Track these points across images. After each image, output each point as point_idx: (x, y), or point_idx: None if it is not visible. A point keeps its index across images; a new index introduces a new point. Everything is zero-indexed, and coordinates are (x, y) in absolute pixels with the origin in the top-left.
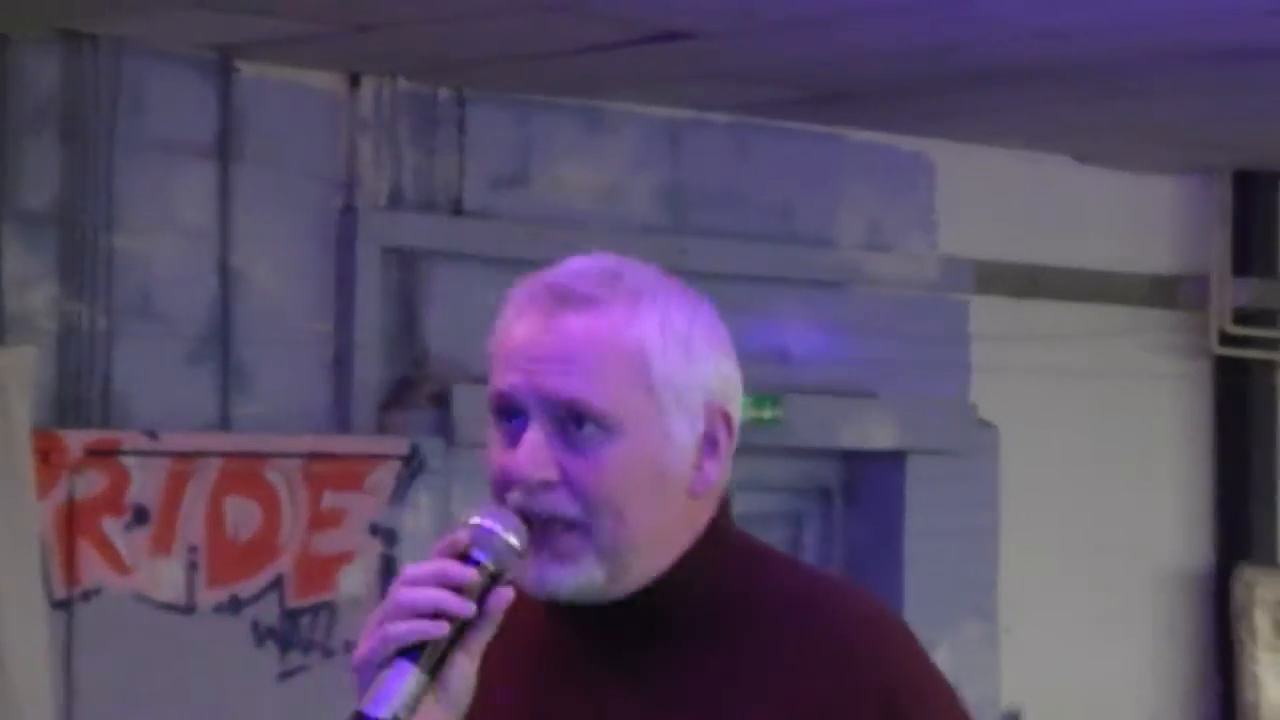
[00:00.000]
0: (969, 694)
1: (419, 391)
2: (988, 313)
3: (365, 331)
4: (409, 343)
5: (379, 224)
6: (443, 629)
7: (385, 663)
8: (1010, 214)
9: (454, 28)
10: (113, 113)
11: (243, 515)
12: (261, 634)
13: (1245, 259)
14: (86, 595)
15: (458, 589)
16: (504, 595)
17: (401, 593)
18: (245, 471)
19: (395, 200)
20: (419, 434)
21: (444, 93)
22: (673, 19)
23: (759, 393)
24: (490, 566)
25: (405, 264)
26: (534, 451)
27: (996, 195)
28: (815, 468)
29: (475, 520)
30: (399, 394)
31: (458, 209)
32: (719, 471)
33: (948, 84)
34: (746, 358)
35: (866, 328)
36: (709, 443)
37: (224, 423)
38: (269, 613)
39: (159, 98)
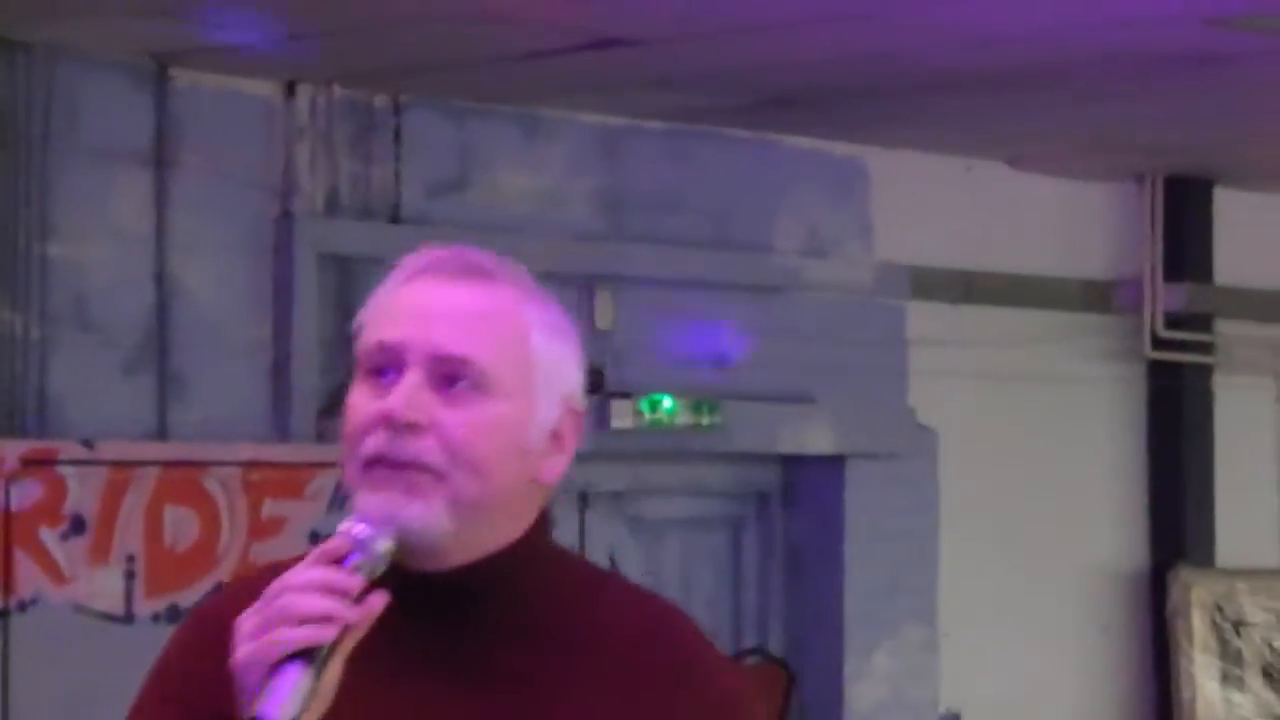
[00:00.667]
0: (909, 696)
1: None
2: (924, 318)
3: (303, 338)
4: (347, 349)
5: (316, 231)
6: (332, 634)
7: (275, 666)
8: (946, 220)
9: (390, 35)
10: (47, 120)
11: (181, 524)
12: None
13: (1178, 264)
14: (24, 605)
15: (344, 596)
16: (378, 600)
17: (290, 599)
18: (183, 480)
19: (332, 207)
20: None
21: (380, 100)
22: (610, 26)
23: (698, 398)
24: (365, 572)
25: (342, 270)
26: (410, 393)
27: (932, 201)
28: (754, 472)
29: (350, 526)
30: (338, 400)
31: (395, 216)
32: (563, 465)
33: (883, 91)
34: (685, 363)
35: (804, 333)
36: (557, 436)
37: (161, 431)
38: None
39: (94, 105)
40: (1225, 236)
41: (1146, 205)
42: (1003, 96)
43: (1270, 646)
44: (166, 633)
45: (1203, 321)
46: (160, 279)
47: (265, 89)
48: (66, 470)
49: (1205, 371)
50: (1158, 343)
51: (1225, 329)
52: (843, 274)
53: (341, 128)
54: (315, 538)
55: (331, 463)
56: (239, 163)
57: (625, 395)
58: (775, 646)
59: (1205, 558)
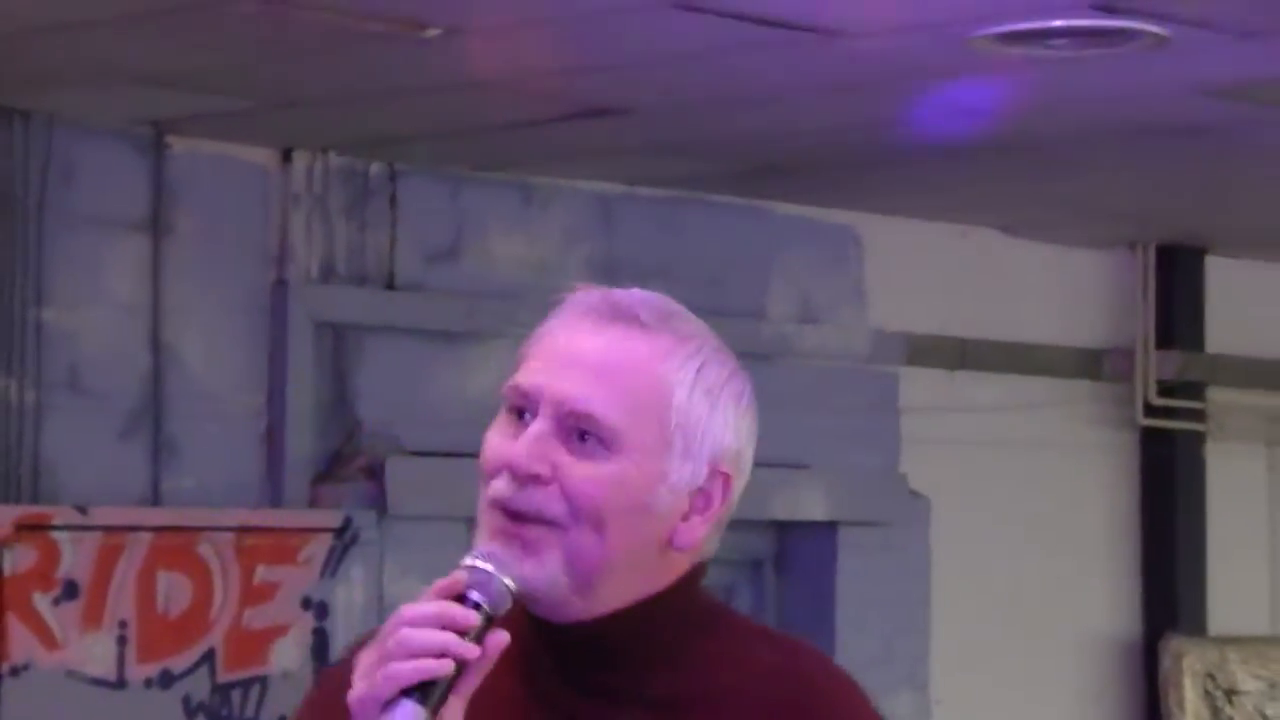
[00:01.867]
0: None
1: (351, 464)
2: (917, 384)
3: (297, 404)
4: (341, 415)
5: (311, 297)
6: (448, 669)
7: (389, 702)
8: (939, 287)
9: (386, 104)
10: (43, 187)
11: (174, 589)
12: (193, 709)
13: (1170, 332)
14: (16, 671)
15: (460, 632)
16: (500, 639)
17: (404, 633)
18: (177, 546)
19: (327, 274)
20: (352, 506)
21: (376, 167)
22: (603, 95)
23: None
24: (487, 609)
25: (337, 337)
26: (536, 442)
27: (925, 268)
28: (747, 539)
29: (472, 562)
30: (331, 467)
31: (390, 283)
32: (704, 531)
33: (877, 159)
34: None
35: (797, 400)
36: (703, 498)
37: (155, 497)
38: (200, 687)
39: (90, 172)
40: (1217, 304)
41: (1139, 273)
42: (996, 165)
43: (1262, 715)
44: (159, 699)
45: (1195, 389)
46: (155, 345)
47: (261, 156)
48: (60, 535)
49: (1197, 439)
50: (1150, 410)
51: (1217, 396)
52: (836, 341)
53: (337, 195)
54: (308, 604)
55: (325, 529)
56: (235, 229)
57: None
58: None
59: (1197, 626)
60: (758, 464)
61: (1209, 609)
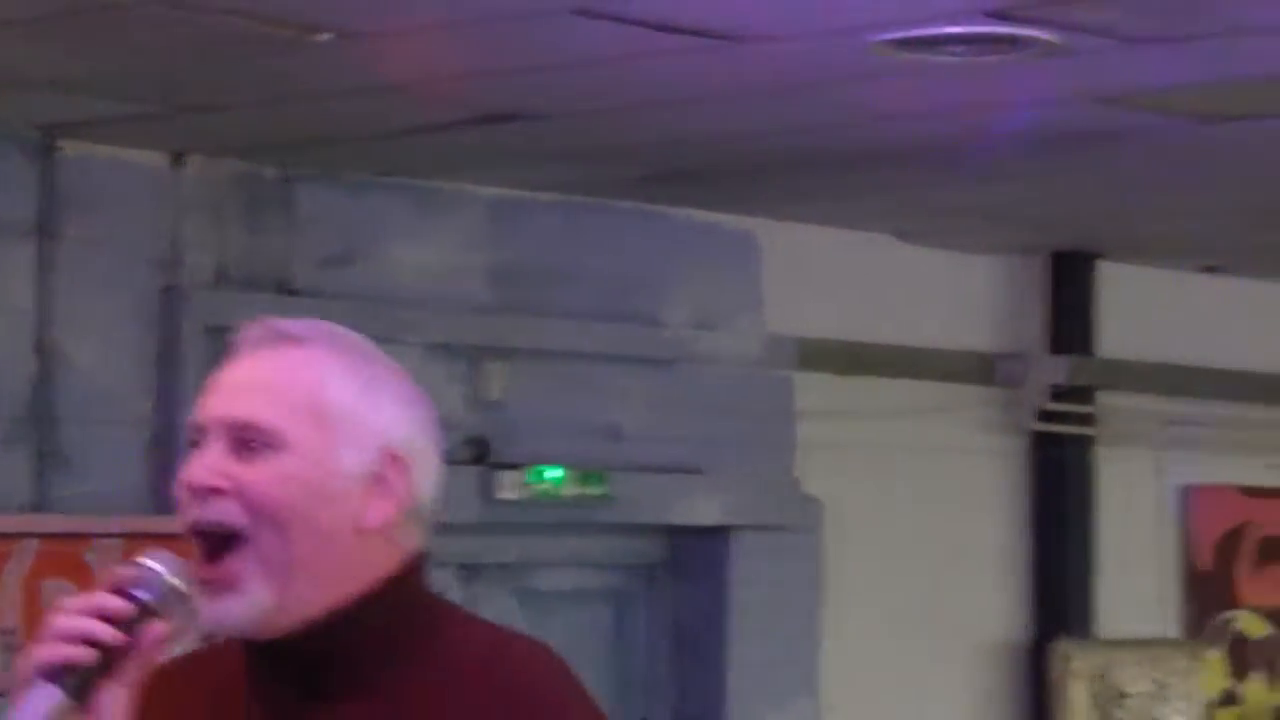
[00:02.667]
0: None
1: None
2: (812, 389)
3: (188, 411)
4: None
5: (203, 303)
6: (88, 654)
7: (32, 684)
8: (835, 292)
9: (281, 108)
10: None
11: (61, 597)
12: None
13: (1062, 337)
14: None
15: (108, 619)
16: (157, 629)
17: (54, 620)
18: (63, 553)
19: (220, 279)
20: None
21: (271, 172)
22: (502, 101)
23: (586, 469)
24: (149, 603)
25: (230, 343)
26: (206, 459)
27: (822, 274)
28: (642, 544)
29: (140, 560)
30: None
31: (284, 288)
32: (389, 513)
33: (775, 165)
34: (574, 434)
35: (692, 405)
36: (380, 483)
37: (42, 504)
38: None
39: None
40: (1108, 310)
41: (1032, 279)
42: (893, 172)
43: (1151, 717)
44: None
45: (1086, 394)
46: (43, 351)
47: (154, 160)
48: None
49: (1088, 443)
50: (1041, 415)
51: (1108, 401)
52: (732, 346)
53: (231, 200)
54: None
55: None
56: (126, 234)
57: (513, 466)
58: (661, 719)
59: (1086, 629)
60: (652, 469)
61: (1098, 612)
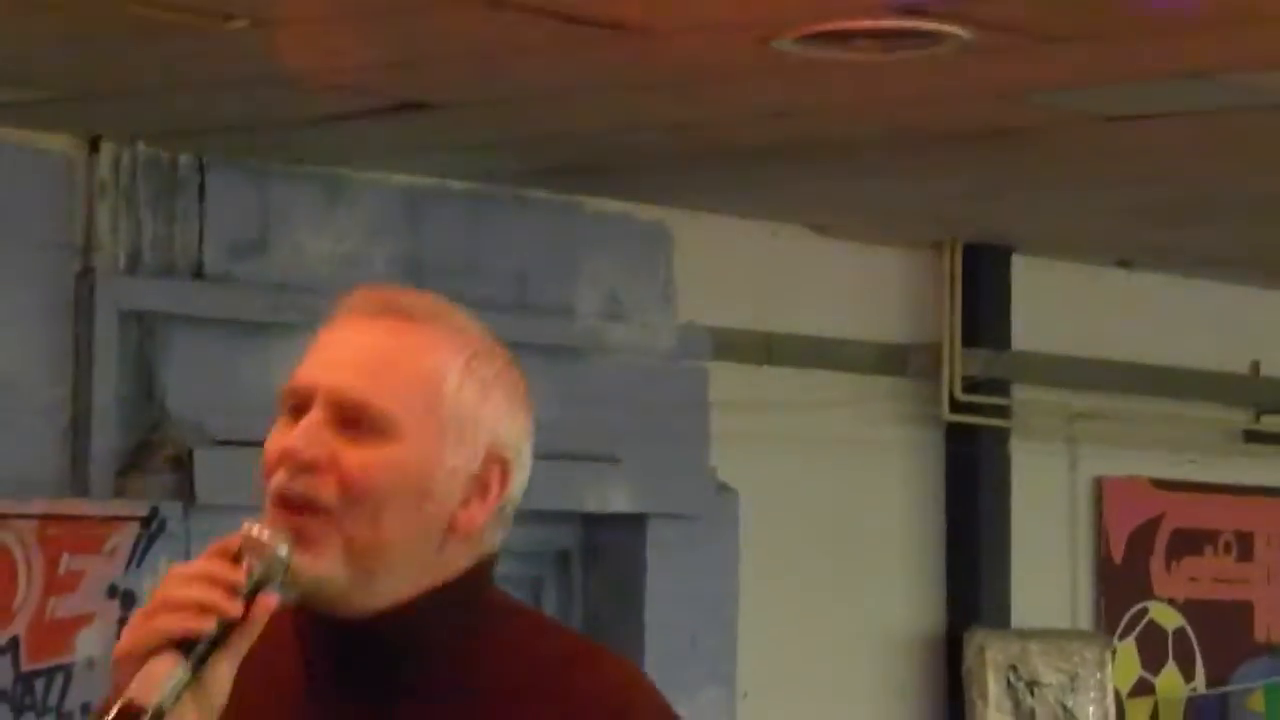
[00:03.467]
0: None
1: (158, 455)
2: (726, 380)
3: (103, 395)
4: (147, 407)
5: (117, 288)
6: (210, 625)
7: (150, 655)
8: (748, 283)
9: (194, 95)
10: None
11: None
12: None
13: (975, 330)
14: None
15: (227, 589)
16: (269, 602)
17: (170, 588)
18: None
19: (133, 264)
20: (158, 497)
21: (184, 158)
22: (412, 90)
23: None
24: (257, 573)
25: (143, 328)
26: (309, 431)
27: (735, 265)
28: (554, 531)
29: (247, 528)
30: (138, 458)
31: (197, 273)
32: (484, 518)
33: (687, 157)
34: None
35: (607, 395)
36: (480, 484)
37: None
38: (3, 676)
39: None
40: (1022, 303)
41: (946, 272)
42: (805, 165)
43: (1063, 706)
44: None
45: (999, 387)
46: None
47: (67, 146)
48: None
49: (1001, 436)
50: (955, 407)
51: (1021, 394)
52: (645, 336)
53: (144, 185)
54: (114, 592)
55: (130, 517)
56: (39, 219)
57: None
58: None
59: (1000, 619)
60: (567, 457)
61: (1012, 603)
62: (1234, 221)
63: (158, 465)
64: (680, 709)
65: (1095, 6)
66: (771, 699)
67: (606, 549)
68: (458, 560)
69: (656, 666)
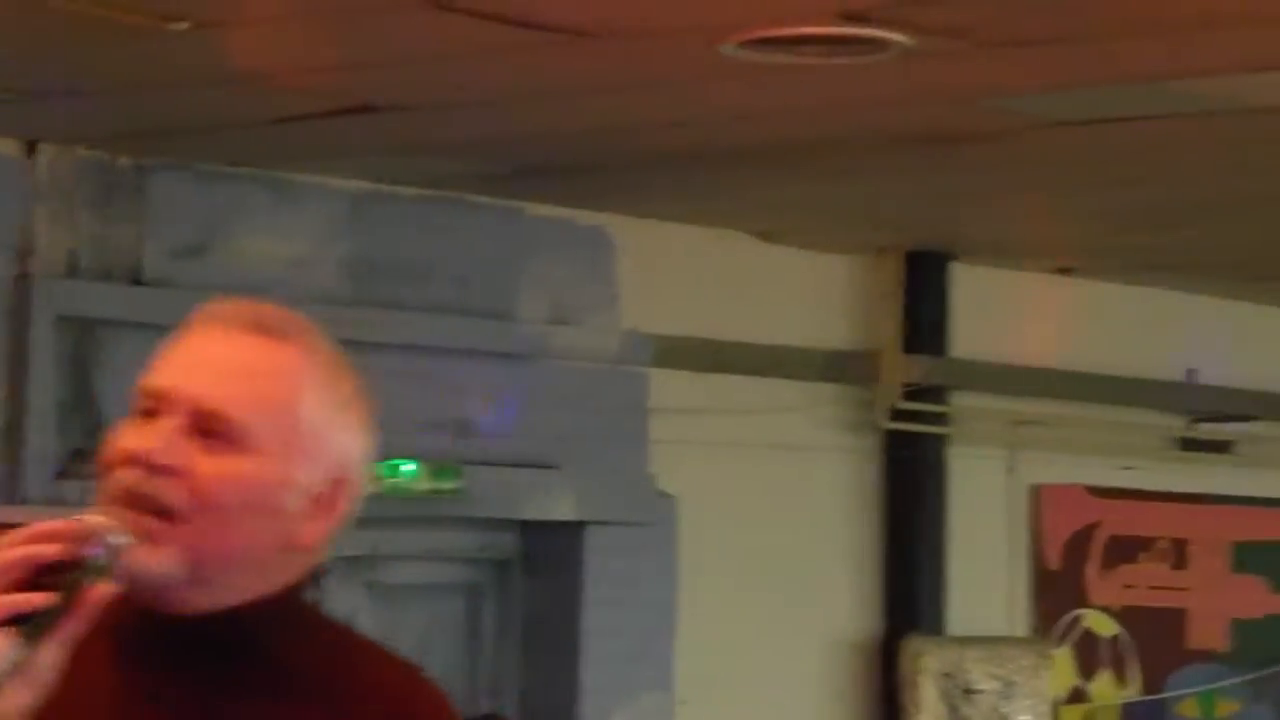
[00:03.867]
0: None
1: (95, 461)
2: (668, 386)
3: (39, 401)
4: (85, 412)
5: (55, 292)
6: (49, 601)
7: None
8: (691, 289)
9: (135, 97)
10: None
11: None
12: None
13: (916, 337)
14: None
15: (61, 570)
16: (102, 590)
17: (6, 556)
18: None
19: (72, 269)
20: (95, 503)
21: (124, 161)
22: (357, 93)
23: (439, 463)
24: (95, 562)
25: (81, 333)
26: (166, 434)
27: (678, 271)
28: (494, 539)
29: (86, 515)
30: (74, 464)
31: (136, 278)
32: (325, 532)
33: (631, 163)
34: (428, 428)
35: (548, 400)
36: (324, 502)
37: None
38: None
39: None
40: (962, 310)
41: (887, 279)
42: (750, 171)
43: (998, 713)
44: None
45: (939, 394)
46: None
47: (5, 148)
48: None
49: (940, 443)
50: (895, 414)
51: (960, 401)
52: (587, 342)
53: (83, 189)
54: None
55: None
56: None
57: None
58: (511, 714)
59: (936, 626)
60: (507, 464)
61: (948, 610)
62: (1175, 228)
63: (94, 472)
64: (619, 715)
65: (1040, 13)
66: (709, 705)
67: (546, 556)
68: (291, 572)
69: (595, 673)
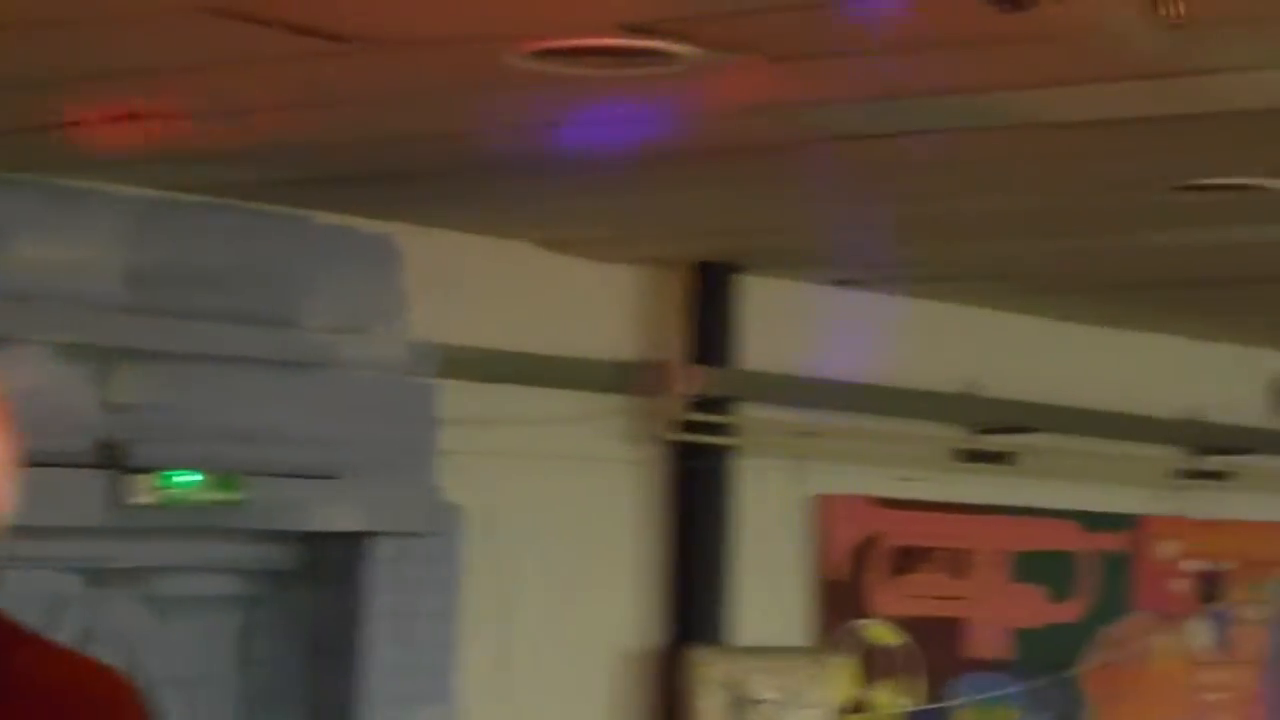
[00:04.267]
0: None
1: None
2: (455, 397)
3: None
4: None
5: None
6: None
7: None
8: (478, 299)
9: None
10: None
11: None
12: None
13: (704, 348)
14: None
15: None
16: None
17: None
18: None
19: None
20: None
21: None
22: (140, 100)
23: (220, 473)
24: None
25: None
26: None
27: (465, 281)
28: (277, 549)
29: None
30: None
31: None
32: None
33: (418, 171)
34: (211, 438)
35: (332, 410)
36: None
37: None
38: None
39: None
40: (749, 322)
41: (673, 289)
42: (537, 181)
43: None
44: None
45: (726, 405)
46: None
47: None
48: None
49: (726, 454)
50: (682, 425)
51: (747, 412)
52: (373, 351)
53: None
54: None
55: None
56: None
57: (146, 470)
58: None
59: (720, 637)
60: (291, 474)
61: (734, 620)
62: (959, 241)
63: None
64: None
65: (826, 26)
66: (492, 717)
67: (330, 567)
68: None
69: (376, 684)
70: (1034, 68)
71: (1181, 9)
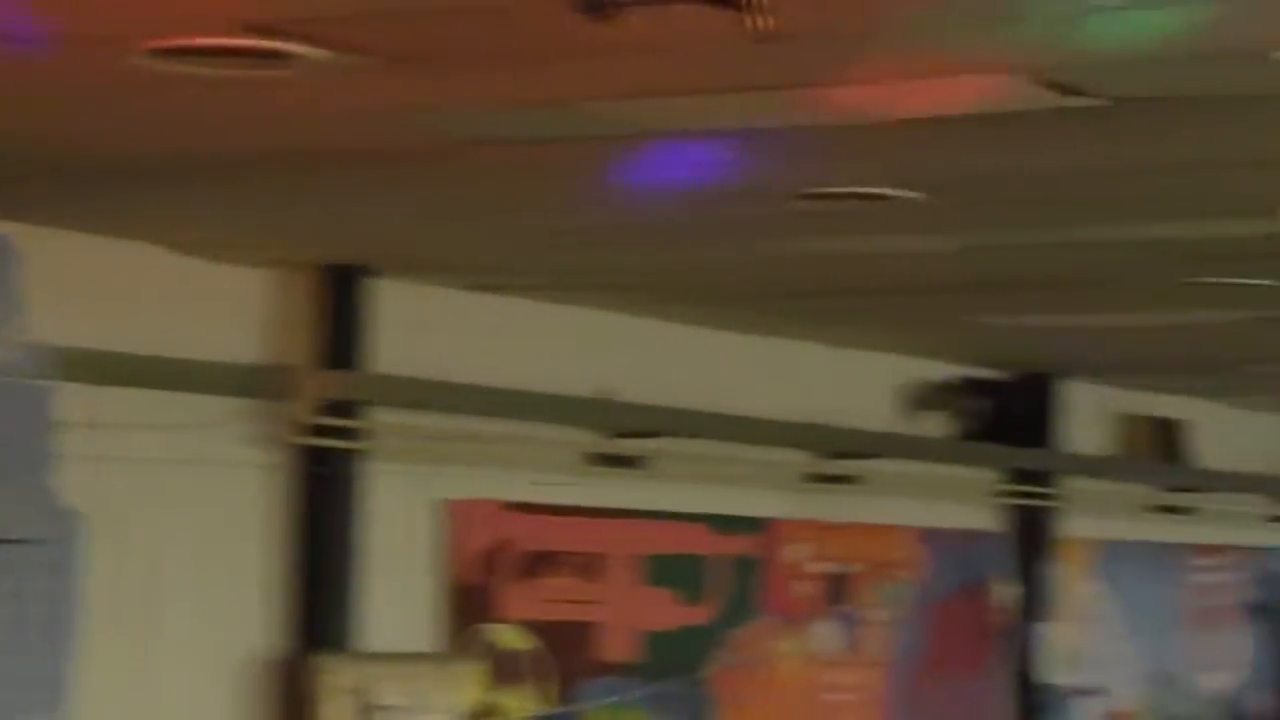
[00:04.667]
0: None
1: None
2: (74, 400)
3: None
4: None
5: None
6: None
7: None
8: (102, 302)
9: None
10: None
11: None
12: None
13: (335, 351)
14: None
15: None
16: None
17: None
18: None
19: None
20: None
21: None
22: None
23: None
24: None
25: None
26: None
27: (88, 283)
28: None
29: None
30: None
31: None
32: None
33: (36, 171)
34: None
35: None
36: None
37: None
38: None
39: None
40: (381, 326)
41: (304, 293)
42: (159, 181)
43: None
44: None
45: (355, 409)
46: None
47: None
48: None
49: (357, 458)
50: (310, 430)
51: (379, 417)
52: None
53: None
54: None
55: None
56: None
57: None
58: None
59: (347, 644)
60: None
61: (362, 627)
62: (593, 248)
63: None
64: None
65: (444, 32)
66: None
67: None
68: None
69: None
70: (628, 78)
71: (771, 22)
